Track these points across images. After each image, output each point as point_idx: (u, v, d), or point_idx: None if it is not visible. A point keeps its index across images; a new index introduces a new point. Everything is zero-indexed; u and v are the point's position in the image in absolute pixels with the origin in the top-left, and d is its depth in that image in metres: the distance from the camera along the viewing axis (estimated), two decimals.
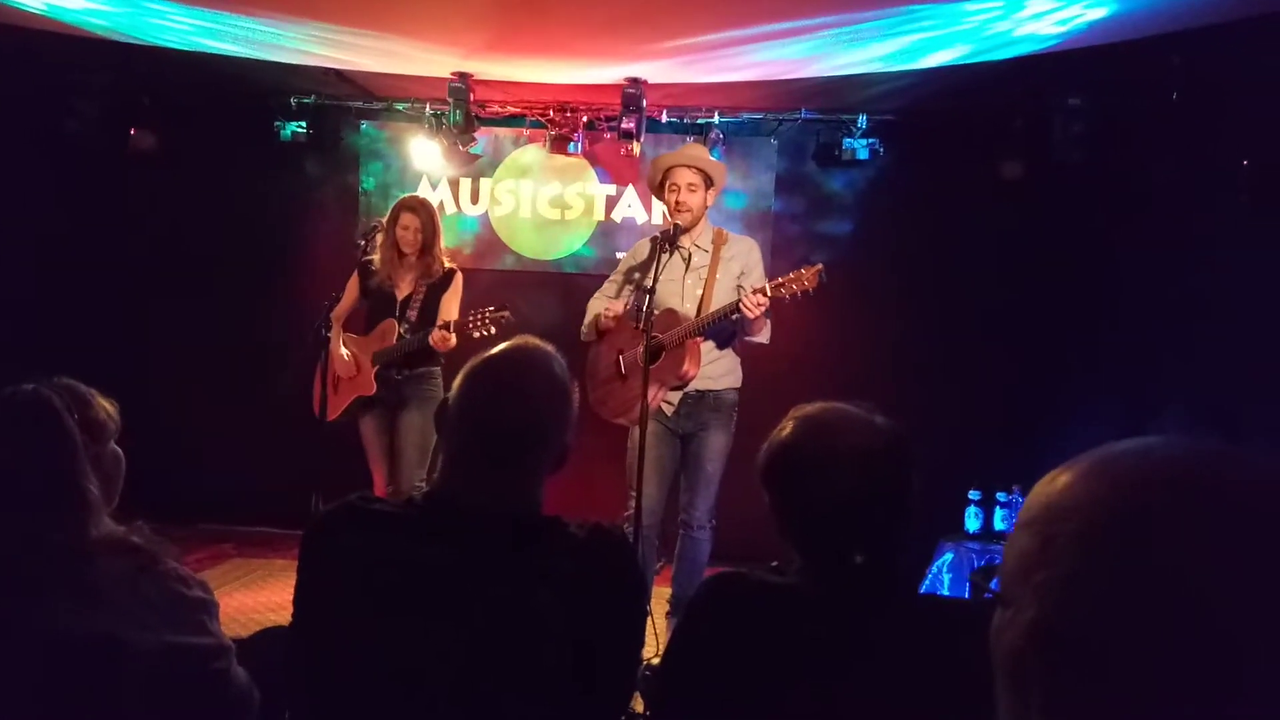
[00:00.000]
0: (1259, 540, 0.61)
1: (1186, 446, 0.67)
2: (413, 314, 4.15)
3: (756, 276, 3.77)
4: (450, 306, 4.18)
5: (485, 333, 3.89)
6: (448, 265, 4.30)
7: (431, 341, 3.98)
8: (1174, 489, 0.64)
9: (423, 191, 5.63)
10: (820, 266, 3.45)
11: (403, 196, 4.50)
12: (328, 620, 1.34)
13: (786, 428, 1.46)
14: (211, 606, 1.53)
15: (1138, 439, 0.69)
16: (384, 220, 4.30)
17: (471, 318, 3.92)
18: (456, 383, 1.49)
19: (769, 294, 3.46)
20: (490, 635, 1.31)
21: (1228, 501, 0.63)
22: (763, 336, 3.74)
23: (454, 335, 3.98)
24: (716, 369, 3.77)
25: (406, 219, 4.19)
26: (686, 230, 3.73)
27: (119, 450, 1.61)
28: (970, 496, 4.47)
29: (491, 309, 3.92)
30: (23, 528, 1.34)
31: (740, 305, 3.47)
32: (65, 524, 1.36)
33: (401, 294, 4.21)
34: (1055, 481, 0.70)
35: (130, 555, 1.42)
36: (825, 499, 1.39)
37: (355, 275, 4.33)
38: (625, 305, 3.87)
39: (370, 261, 4.25)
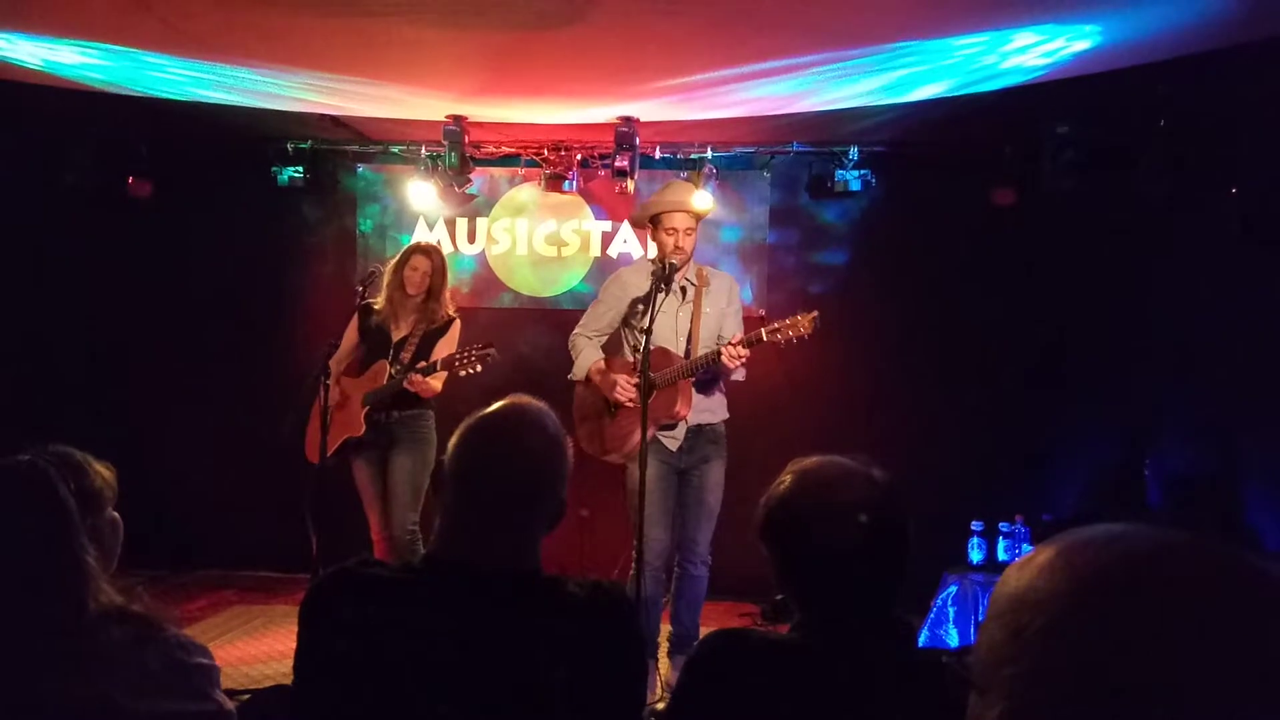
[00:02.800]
0: (1222, 641, 0.61)
1: (1150, 539, 0.67)
2: (406, 356, 4.13)
3: (735, 311, 3.90)
4: (444, 352, 4.17)
5: (471, 370, 3.88)
6: (448, 315, 4.30)
7: (407, 385, 3.95)
8: (1134, 589, 0.64)
9: (420, 232, 5.67)
10: (815, 314, 3.49)
11: (415, 241, 4.52)
12: (329, 688, 1.34)
13: (785, 482, 1.46)
14: (213, 672, 1.52)
15: (1104, 526, 0.70)
16: (383, 266, 4.32)
17: (458, 357, 3.91)
18: (451, 443, 1.50)
19: (764, 339, 3.49)
20: (493, 699, 1.31)
21: (1189, 601, 0.63)
22: (738, 375, 3.77)
23: (435, 379, 3.96)
24: (712, 401, 3.81)
25: (417, 261, 4.22)
26: (680, 269, 3.77)
27: (116, 516, 1.60)
28: (973, 528, 4.46)
29: (478, 347, 3.90)
30: (21, 604, 1.34)
31: (721, 358, 3.51)
32: (64, 599, 1.36)
33: (398, 335, 4.21)
34: (1024, 570, 0.70)
35: (131, 624, 1.42)
36: (823, 554, 1.39)
37: (354, 318, 4.33)
38: (619, 351, 3.91)
39: (372, 303, 4.26)
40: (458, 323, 4.31)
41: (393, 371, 4.10)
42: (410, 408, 4.13)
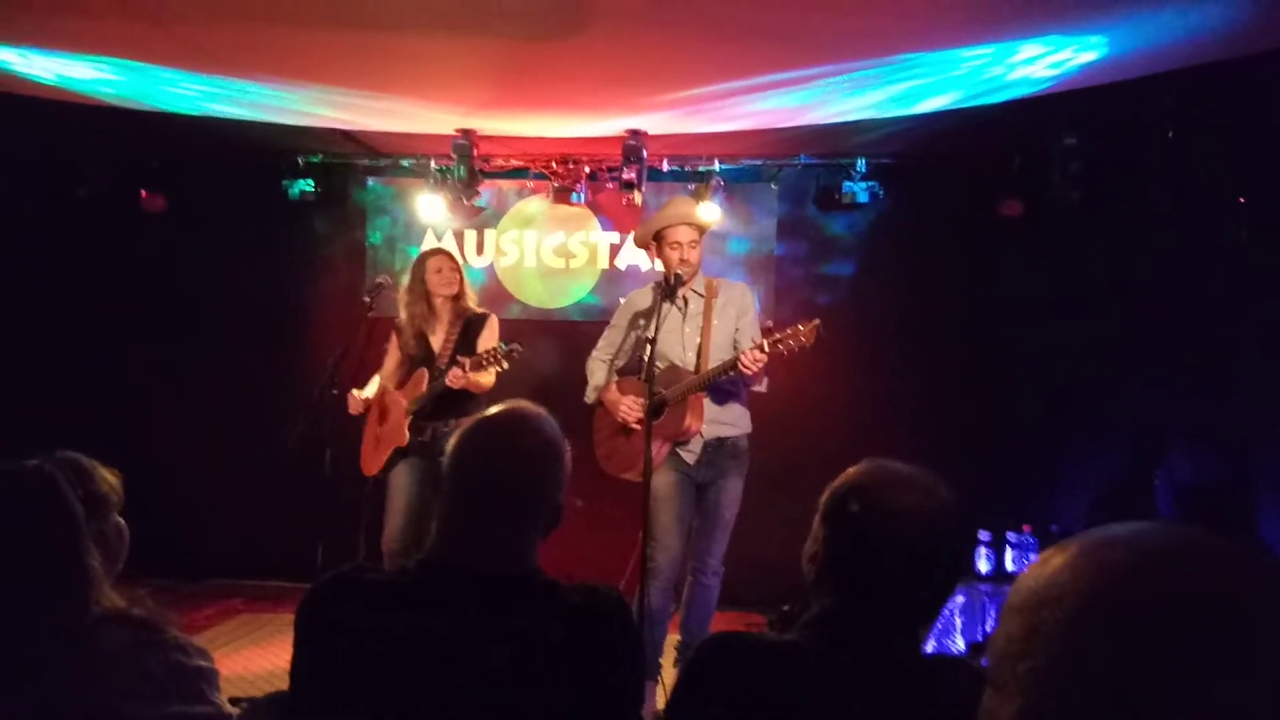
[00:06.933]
0: (1242, 640, 0.60)
1: (1171, 538, 0.66)
2: (443, 361, 4.12)
3: (751, 319, 3.84)
4: (486, 346, 4.12)
5: (499, 367, 3.89)
6: (479, 309, 4.31)
7: (449, 382, 3.94)
8: (1154, 587, 0.63)
9: (428, 244, 5.71)
10: (818, 322, 3.46)
11: (423, 250, 4.54)
12: (325, 693, 1.34)
13: (861, 469, 1.46)
14: (212, 675, 1.53)
15: (1128, 524, 0.69)
16: (391, 277, 4.34)
17: (484, 356, 3.91)
18: (450, 445, 1.51)
19: (766, 350, 3.46)
20: (487, 702, 1.32)
21: (1209, 600, 0.62)
22: (761, 386, 3.76)
23: (483, 375, 3.95)
24: (731, 414, 3.79)
25: (439, 261, 4.23)
26: (687, 281, 3.78)
27: (122, 522, 1.62)
28: (980, 537, 4.44)
29: (504, 344, 3.90)
30: (24, 607, 1.36)
31: (739, 363, 3.50)
32: (67, 602, 1.37)
33: (436, 342, 4.21)
34: (1045, 565, 0.69)
35: (132, 628, 1.43)
36: (873, 549, 1.38)
37: (392, 340, 4.36)
38: (629, 369, 3.92)
39: (398, 322, 4.28)
40: (493, 317, 4.31)
41: (432, 376, 4.10)
42: (460, 416, 4.04)
